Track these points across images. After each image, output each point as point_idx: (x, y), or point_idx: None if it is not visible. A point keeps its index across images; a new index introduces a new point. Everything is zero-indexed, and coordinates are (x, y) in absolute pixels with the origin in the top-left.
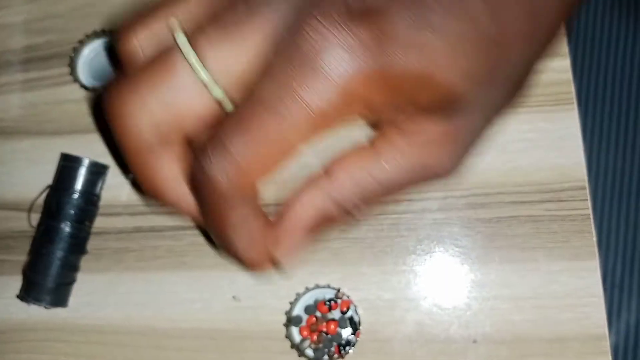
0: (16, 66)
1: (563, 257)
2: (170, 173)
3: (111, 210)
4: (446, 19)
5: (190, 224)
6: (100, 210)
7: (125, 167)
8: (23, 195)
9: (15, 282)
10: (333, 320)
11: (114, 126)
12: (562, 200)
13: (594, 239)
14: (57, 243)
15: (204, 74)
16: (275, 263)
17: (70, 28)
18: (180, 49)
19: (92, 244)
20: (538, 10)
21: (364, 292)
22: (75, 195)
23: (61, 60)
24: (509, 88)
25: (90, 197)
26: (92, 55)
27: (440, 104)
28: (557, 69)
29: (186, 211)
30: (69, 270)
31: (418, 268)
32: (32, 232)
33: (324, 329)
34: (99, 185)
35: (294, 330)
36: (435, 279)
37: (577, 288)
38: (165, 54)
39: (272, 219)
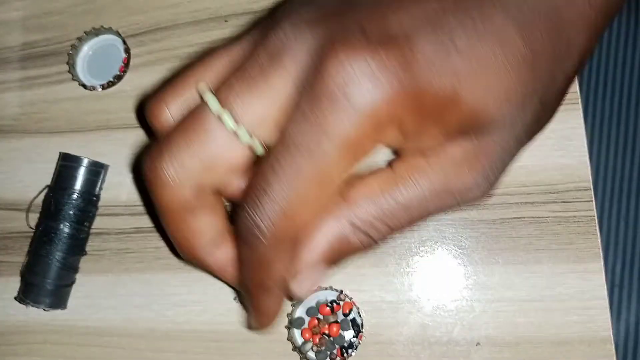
0: (14, 64)
1: (567, 259)
2: (209, 234)
3: (111, 210)
4: (471, 41)
5: None
6: (100, 210)
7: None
8: (21, 194)
9: (14, 284)
10: (335, 322)
11: (154, 190)
12: (566, 202)
13: (599, 240)
14: (56, 244)
15: (231, 123)
16: (290, 296)
17: (68, 25)
18: (209, 107)
19: (91, 244)
20: (566, 27)
21: (367, 294)
22: (75, 196)
23: (59, 58)
24: (539, 108)
25: (90, 197)
26: (90, 53)
27: (469, 124)
28: None
29: (222, 273)
30: (68, 272)
31: (421, 270)
32: (30, 233)
33: (326, 331)
34: (99, 185)
35: (296, 333)
36: (438, 280)
37: (581, 290)
38: (195, 113)
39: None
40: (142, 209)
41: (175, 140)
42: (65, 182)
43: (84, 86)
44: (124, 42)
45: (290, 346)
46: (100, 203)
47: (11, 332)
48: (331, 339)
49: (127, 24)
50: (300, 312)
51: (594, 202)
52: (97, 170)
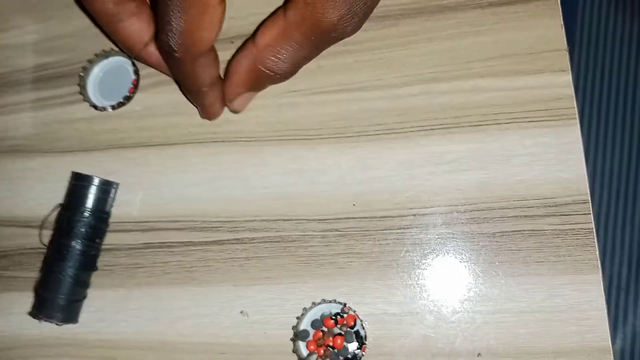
0: (27, 85)
1: (566, 271)
2: (138, 36)
3: (122, 226)
4: None
5: (199, 239)
6: (111, 227)
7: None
8: (34, 212)
9: (27, 298)
10: (339, 334)
11: (87, 5)
12: (565, 215)
13: (597, 252)
14: (68, 261)
15: None
16: (232, 110)
17: (79, 47)
18: None
19: (102, 260)
20: None
21: (370, 306)
22: (86, 214)
23: (71, 79)
24: None
25: (101, 215)
26: (101, 75)
27: None
28: (560, 85)
29: (160, 67)
30: (80, 287)
31: (423, 282)
32: (43, 249)
33: (331, 343)
34: (109, 202)
35: (301, 345)
36: (440, 293)
37: (580, 301)
38: None
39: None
40: (152, 225)
41: None
42: (77, 200)
43: (95, 107)
44: (134, 64)
45: (296, 358)
46: (110, 220)
47: (25, 346)
48: (335, 350)
49: None
50: (305, 324)
51: (591, 214)
52: (107, 188)
